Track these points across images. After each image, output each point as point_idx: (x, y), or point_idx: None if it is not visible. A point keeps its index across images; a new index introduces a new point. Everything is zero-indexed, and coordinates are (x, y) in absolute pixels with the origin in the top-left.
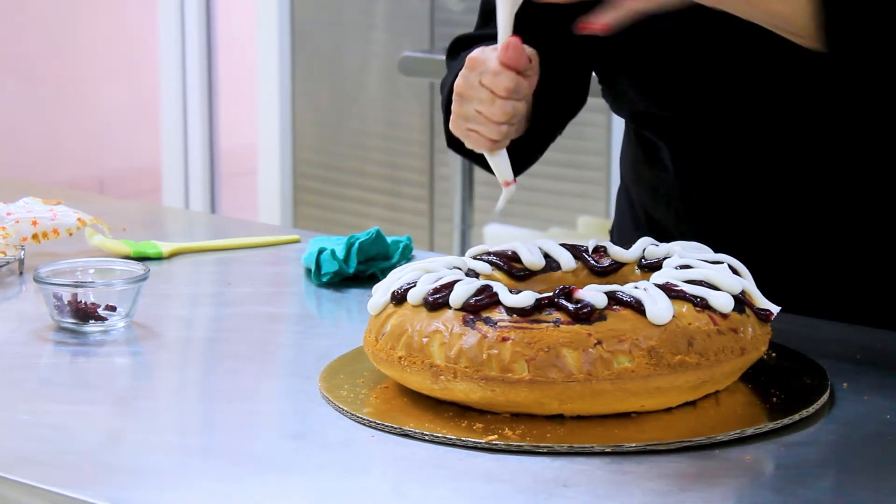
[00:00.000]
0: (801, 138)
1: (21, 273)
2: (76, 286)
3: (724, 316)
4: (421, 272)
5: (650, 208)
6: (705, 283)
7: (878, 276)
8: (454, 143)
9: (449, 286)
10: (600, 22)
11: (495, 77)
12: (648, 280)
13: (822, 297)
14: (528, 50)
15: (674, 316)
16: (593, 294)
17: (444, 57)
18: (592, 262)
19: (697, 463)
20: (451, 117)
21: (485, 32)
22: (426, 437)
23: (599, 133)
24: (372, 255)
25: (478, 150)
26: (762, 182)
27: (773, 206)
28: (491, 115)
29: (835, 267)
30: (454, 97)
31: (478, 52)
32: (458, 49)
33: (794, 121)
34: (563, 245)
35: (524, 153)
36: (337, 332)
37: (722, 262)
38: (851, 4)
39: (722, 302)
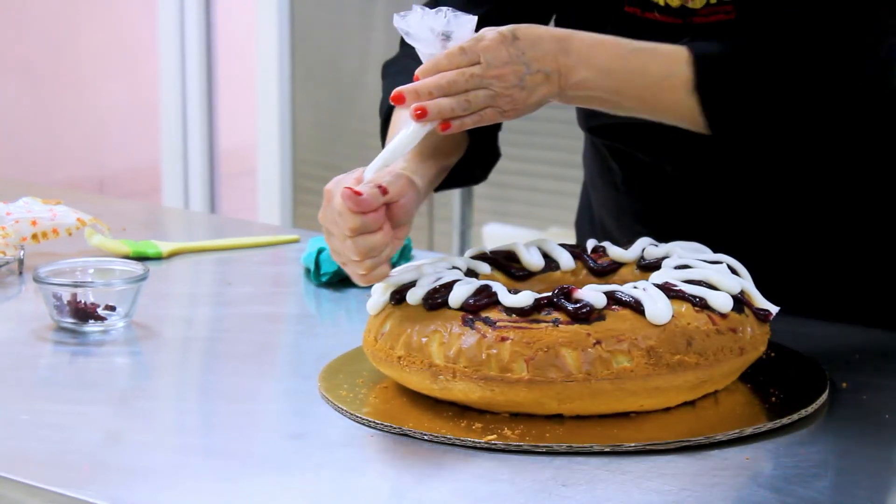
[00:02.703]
0: (784, 159)
1: (21, 273)
2: (76, 286)
3: (723, 316)
4: (420, 272)
5: (604, 218)
6: (704, 283)
7: (877, 276)
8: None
9: (448, 286)
10: (447, 121)
11: (340, 217)
12: (647, 280)
13: (821, 297)
14: (387, 179)
15: (673, 316)
16: (592, 294)
17: None
18: (591, 262)
19: (696, 462)
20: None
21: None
22: (425, 437)
23: None
24: None
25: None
26: (796, 196)
27: (719, 205)
28: (348, 252)
29: (834, 267)
30: (323, 230)
31: (332, 184)
32: (389, 72)
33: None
34: (562, 245)
35: (476, 162)
36: (336, 332)
37: (721, 263)
38: (728, 101)
39: (721, 302)
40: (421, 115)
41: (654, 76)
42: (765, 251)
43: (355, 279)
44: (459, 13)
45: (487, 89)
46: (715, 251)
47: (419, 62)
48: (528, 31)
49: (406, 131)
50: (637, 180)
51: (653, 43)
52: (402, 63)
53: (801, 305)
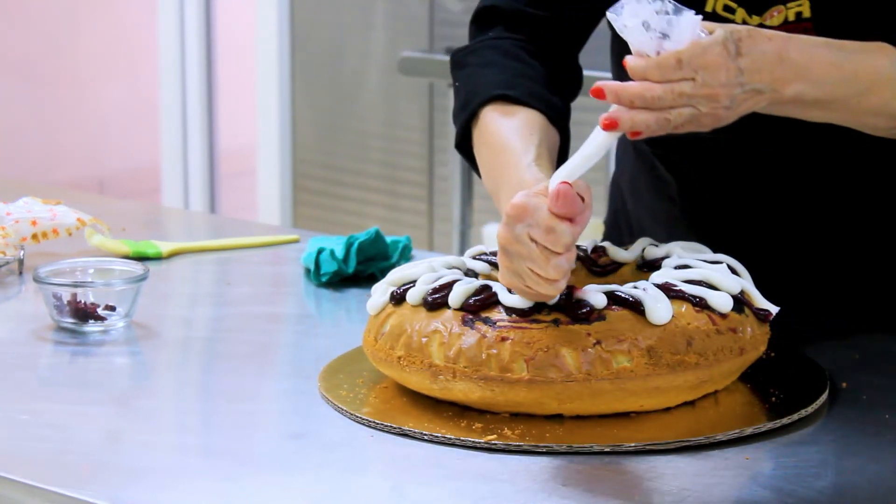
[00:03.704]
0: (810, 158)
1: (21, 273)
2: (76, 286)
3: (723, 316)
4: (420, 272)
5: (647, 227)
6: (704, 283)
7: (877, 276)
8: (462, 146)
9: (448, 286)
10: (633, 127)
11: (549, 234)
12: (647, 280)
13: (821, 297)
14: (580, 185)
15: (673, 316)
16: (592, 294)
17: (443, 57)
18: (592, 262)
19: (696, 462)
20: (500, 270)
21: (518, 7)
22: (425, 437)
23: None
24: (371, 255)
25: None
26: (767, 194)
27: (775, 212)
28: (546, 273)
29: (834, 267)
30: (499, 250)
31: (523, 199)
32: (486, 21)
33: (807, 147)
34: None
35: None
36: (336, 332)
37: (721, 262)
38: None
39: (721, 302)
40: (610, 127)
41: (863, 81)
42: (766, 251)
43: (538, 300)
44: (682, 9)
45: (693, 108)
46: (771, 259)
47: (499, 55)
48: (752, 43)
49: (594, 140)
50: (695, 192)
51: (854, 42)
52: (483, 56)
53: (801, 305)
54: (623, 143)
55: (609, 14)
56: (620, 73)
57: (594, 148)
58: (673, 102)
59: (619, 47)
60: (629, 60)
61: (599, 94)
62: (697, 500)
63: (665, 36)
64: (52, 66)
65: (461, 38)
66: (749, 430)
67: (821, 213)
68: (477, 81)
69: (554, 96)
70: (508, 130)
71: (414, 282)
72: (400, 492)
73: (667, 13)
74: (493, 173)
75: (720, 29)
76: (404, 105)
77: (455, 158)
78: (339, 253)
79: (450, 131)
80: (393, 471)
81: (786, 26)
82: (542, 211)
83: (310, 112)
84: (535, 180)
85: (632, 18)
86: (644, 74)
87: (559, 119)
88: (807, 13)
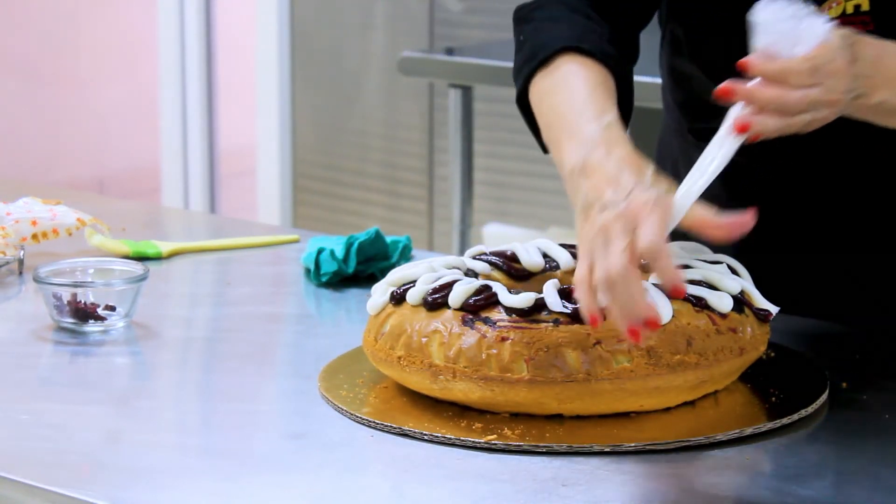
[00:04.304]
0: (854, 158)
1: (21, 273)
2: (76, 286)
3: (723, 316)
4: (420, 272)
5: None
6: (704, 283)
7: (877, 276)
8: (522, 101)
9: (448, 286)
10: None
11: (631, 301)
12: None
13: (822, 298)
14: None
15: (673, 316)
16: None
17: (443, 57)
18: None
19: (696, 463)
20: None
21: None
22: (425, 437)
23: None
24: (371, 255)
25: None
26: (806, 188)
27: (812, 207)
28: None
29: (834, 267)
30: (581, 246)
31: (620, 278)
32: (533, 17)
33: (854, 147)
34: (562, 245)
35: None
36: (336, 332)
37: (721, 262)
38: None
39: (721, 302)
40: (742, 131)
41: None
42: (770, 252)
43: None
44: (815, 14)
45: (811, 114)
46: (800, 256)
47: (567, 10)
48: (861, 48)
49: (723, 146)
50: (739, 183)
51: None
52: (550, 11)
53: (801, 305)
54: (667, 130)
55: (755, 9)
56: (672, 74)
57: (723, 157)
58: (802, 108)
59: (671, 58)
60: (756, 61)
61: (729, 93)
62: (697, 500)
63: (797, 39)
64: (52, 66)
65: (461, 38)
66: (749, 430)
67: (852, 210)
68: (546, 34)
69: (622, 58)
70: (590, 81)
71: (414, 282)
72: (400, 492)
73: (802, 18)
74: (563, 117)
75: (833, 34)
76: (404, 105)
77: (455, 158)
78: (339, 253)
79: (449, 132)
80: (393, 471)
81: (843, 18)
82: (632, 287)
83: (310, 112)
84: (617, 140)
85: (775, 21)
86: (783, 77)
87: (627, 82)
88: (865, 6)
